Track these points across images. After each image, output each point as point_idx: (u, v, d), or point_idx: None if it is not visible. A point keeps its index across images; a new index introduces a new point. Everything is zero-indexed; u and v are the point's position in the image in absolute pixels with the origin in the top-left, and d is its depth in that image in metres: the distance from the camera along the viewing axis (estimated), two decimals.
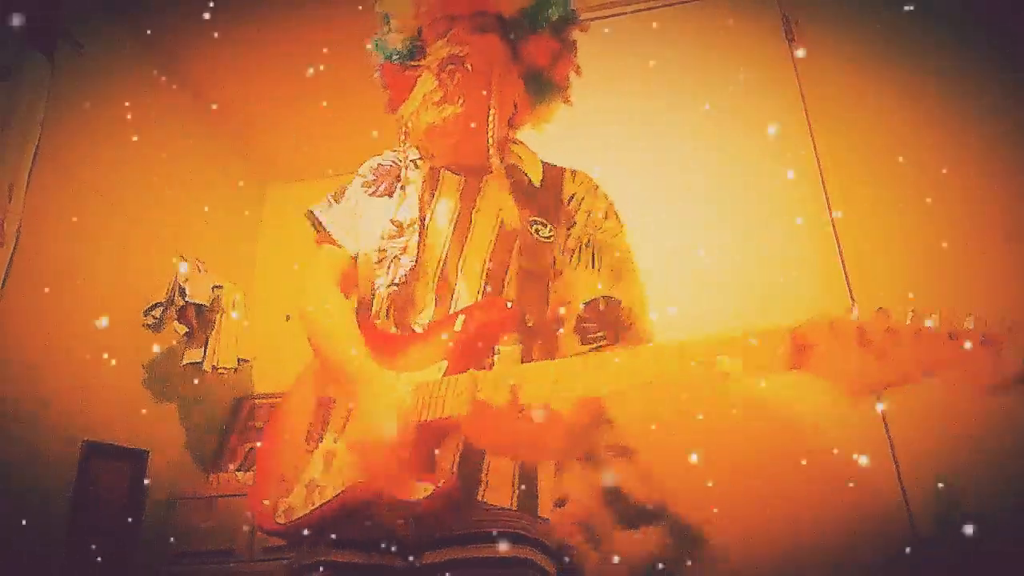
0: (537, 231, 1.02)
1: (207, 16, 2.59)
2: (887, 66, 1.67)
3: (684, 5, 1.93)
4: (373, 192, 1.11)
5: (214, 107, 3.15)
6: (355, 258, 1.08)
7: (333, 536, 0.91)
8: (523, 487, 0.95)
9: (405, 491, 0.84)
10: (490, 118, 1.02)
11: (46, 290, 2.20)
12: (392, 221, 1.05)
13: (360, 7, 2.64)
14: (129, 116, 2.63)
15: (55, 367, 2.20)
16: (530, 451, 0.89)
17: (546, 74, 1.10)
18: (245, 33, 2.71)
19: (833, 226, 1.63)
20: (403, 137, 1.11)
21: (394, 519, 0.89)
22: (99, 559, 2.24)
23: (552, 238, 1.02)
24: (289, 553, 0.99)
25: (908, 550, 1.35)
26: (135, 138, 2.68)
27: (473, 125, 1.02)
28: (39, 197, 2.16)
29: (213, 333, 2.83)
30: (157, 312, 2.65)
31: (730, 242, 1.66)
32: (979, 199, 1.55)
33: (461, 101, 1.00)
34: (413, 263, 1.00)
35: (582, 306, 1.00)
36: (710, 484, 1.46)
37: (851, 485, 1.40)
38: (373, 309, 1.03)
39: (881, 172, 1.63)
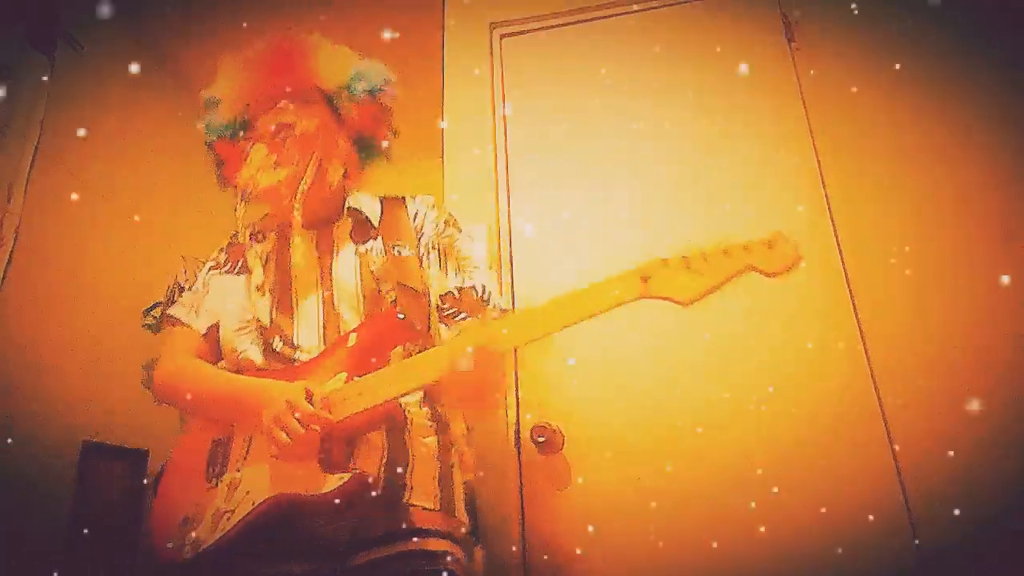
0: (399, 252, 1.15)
1: (207, 17, 2.59)
2: (887, 66, 1.67)
3: (684, 5, 1.93)
4: (227, 271, 1.24)
5: None
6: (206, 335, 1.19)
7: (257, 550, 0.96)
8: (442, 491, 1.06)
9: (319, 486, 0.92)
10: (306, 176, 1.13)
11: (45, 290, 2.19)
12: (257, 287, 1.16)
13: (359, 9, 2.65)
14: (128, 116, 2.63)
15: (54, 367, 2.20)
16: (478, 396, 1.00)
17: (368, 135, 1.24)
18: (245, 33, 2.71)
19: (833, 226, 1.63)
20: (242, 203, 1.19)
21: (315, 520, 0.96)
22: (99, 559, 2.23)
23: (413, 253, 1.16)
24: None
25: (908, 551, 1.35)
26: (134, 138, 2.68)
27: (308, 182, 1.13)
28: (38, 197, 2.15)
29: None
30: (157, 312, 2.65)
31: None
32: (979, 198, 1.55)
33: (295, 162, 1.12)
34: (277, 312, 1.12)
35: (438, 299, 1.14)
36: (708, 486, 1.47)
37: (851, 485, 1.40)
38: (244, 372, 1.12)
39: (881, 171, 1.63)
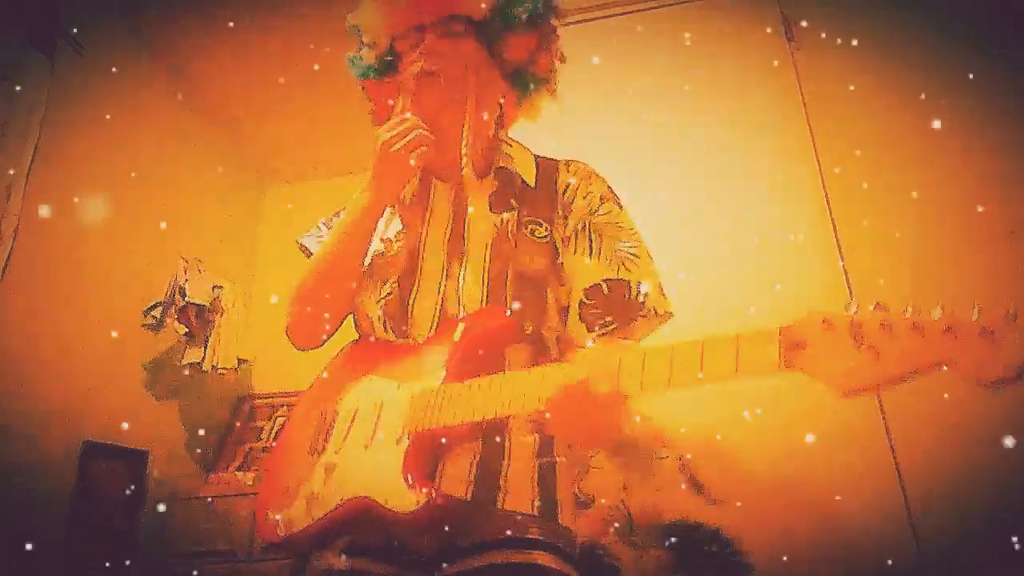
0: (533, 231, 1.00)
1: (207, 17, 2.60)
2: (887, 66, 1.67)
3: (684, 5, 1.93)
4: None
5: (213, 107, 3.15)
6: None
7: (349, 543, 0.91)
8: (542, 493, 0.93)
9: (397, 499, 0.84)
10: (465, 129, 1.01)
11: (45, 290, 2.20)
12: (382, 239, 1.05)
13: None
14: (128, 116, 2.63)
15: (54, 367, 2.20)
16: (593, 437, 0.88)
17: (528, 68, 1.09)
18: (245, 33, 2.71)
19: (833, 225, 1.63)
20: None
21: (395, 531, 0.88)
22: (99, 559, 2.24)
23: (547, 237, 1.00)
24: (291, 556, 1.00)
25: (908, 551, 1.35)
26: (134, 138, 2.68)
27: (456, 136, 1.01)
28: (38, 197, 2.16)
29: (213, 333, 2.83)
30: (157, 312, 2.65)
31: (730, 242, 1.66)
32: (979, 197, 1.55)
33: (446, 109, 1.00)
34: (400, 275, 1.00)
35: (583, 293, 0.97)
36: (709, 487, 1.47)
37: (851, 486, 1.40)
38: (362, 325, 1.04)
39: (881, 171, 1.63)
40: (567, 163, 1.11)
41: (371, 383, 0.96)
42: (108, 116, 2.54)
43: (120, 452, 2.41)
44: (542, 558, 0.88)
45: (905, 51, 1.67)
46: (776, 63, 1.79)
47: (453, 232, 1.03)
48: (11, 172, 2.05)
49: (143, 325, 2.63)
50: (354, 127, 3.04)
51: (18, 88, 2.10)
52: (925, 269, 1.52)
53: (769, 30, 1.82)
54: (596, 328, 0.96)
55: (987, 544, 1.28)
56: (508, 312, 0.92)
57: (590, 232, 1.01)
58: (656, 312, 0.97)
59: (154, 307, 2.65)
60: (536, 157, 1.11)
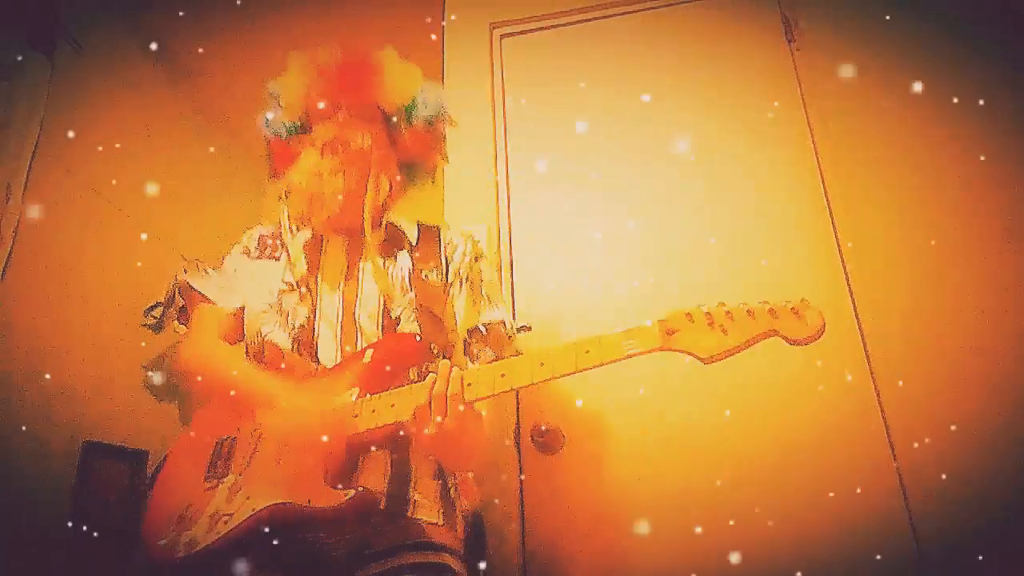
0: (427, 276, 1.17)
1: (207, 17, 2.59)
2: (887, 66, 1.68)
3: (684, 5, 1.93)
4: (258, 256, 1.27)
5: (213, 107, 3.15)
6: (234, 314, 1.24)
7: (257, 559, 0.95)
8: (444, 507, 1.07)
9: (324, 499, 0.92)
10: (368, 191, 1.17)
11: (45, 290, 2.19)
12: (284, 280, 1.18)
13: (360, 10, 2.65)
14: (128, 116, 2.63)
15: (54, 367, 2.20)
16: (459, 454, 1.00)
17: (418, 161, 1.27)
18: (245, 34, 2.71)
19: (833, 225, 1.63)
20: (284, 198, 1.25)
21: (316, 532, 0.96)
22: (99, 559, 2.23)
23: (439, 281, 1.17)
24: None
25: (908, 550, 1.35)
26: (134, 138, 2.68)
27: (351, 197, 1.16)
28: (38, 196, 2.15)
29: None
30: (157, 312, 2.63)
31: (729, 242, 1.66)
32: (980, 197, 1.55)
33: (342, 177, 1.16)
34: (309, 314, 1.13)
35: (466, 333, 1.15)
36: (707, 486, 1.47)
37: (851, 486, 1.40)
38: (269, 354, 1.13)
39: (881, 171, 1.63)
40: (448, 227, 1.30)
41: (274, 409, 1.03)
42: (108, 116, 2.54)
43: (120, 452, 2.41)
44: (450, 561, 1.01)
45: (905, 51, 1.67)
46: (776, 63, 1.80)
47: (348, 277, 1.17)
48: (11, 171, 2.05)
49: (143, 325, 2.62)
50: None
51: (18, 88, 2.10)
52: (925, 268, 1.53)
53: (769, 30, 1.83)
54: (476, 362, 1.13)
55: (987, 544, 1.28)
56: (418, 338, 1.07)
57: (469, 283, 1.20)
58: (516, 349, 1.15)
59: (154, 307, 2.63)
60: (419, 223, 1.29)
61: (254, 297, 1.20)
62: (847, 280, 1.57)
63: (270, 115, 1.28)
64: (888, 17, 1.70)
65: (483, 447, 1.04)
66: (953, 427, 1.38)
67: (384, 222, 1.23)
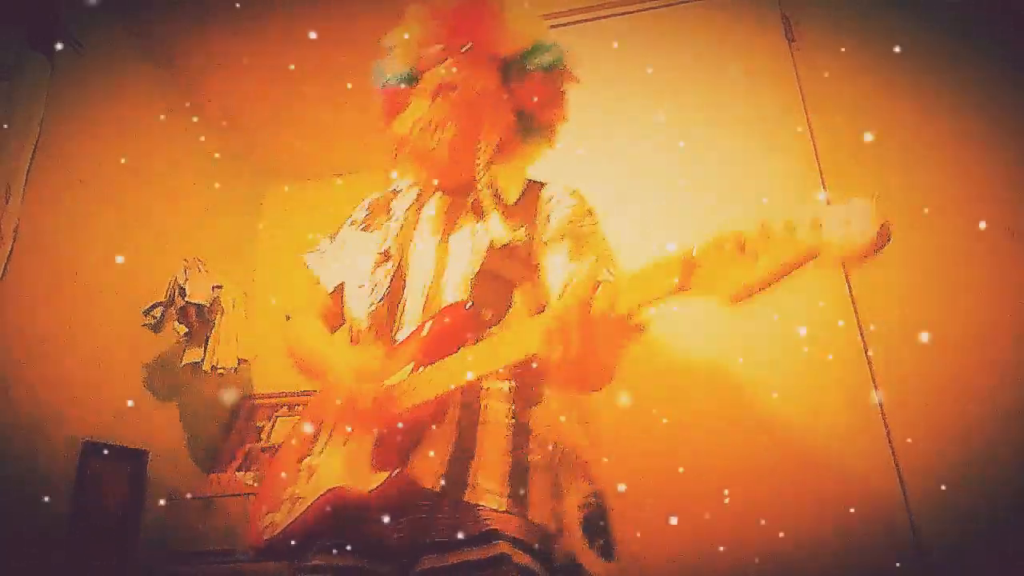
0: (513, 237, 1.07)
1: (207, 17, 2.59)
2: (887, 65, 1.67)
3: (684, 5, 1.93)
4: (364, 228, 1.21)
5: (213, 107, 3.15)
6: (333, 293, 1.18)
7: (326, 542, 0.95)
8: (512, 488, 0.95)
9: (363, 483, 0.90)
10: (480, 144, 1.09)
11: (45, 290, 2.20)
12: (379, 253, 1.12)
13: (360, 10, 2.64)
14: (128, 116, 2.63)
15: (55, 367, 2.20)
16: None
17: (535, 115, 1.17)
18: (245, 33, 2.71)
19: None
20: (394, 154, 1.17)
21: (368, 518, 0.92)
22: (99, 559, 2.23)
23: (526, 239, 1.07)
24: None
25: (908, 550, 1.35)
26: (134, 138, 2.68)
27: (459, 150, 1.09)
28: (38, 196, 2.16)
29: (213, 333, 2.83)
30: (157, 312, 2.65)
31: None
32: (980, 197, 1.55)
33: (451, 126, 1.08)
34: (388, 287, 1.07)
35: (564, 290, 1.02)
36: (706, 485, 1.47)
37: (850, 486, 1.40)
38: (354, 337, 1.10)
39: (881, 170, 1.63)
40: (551, 184, 1.20)
41: (340, 392, 1.00)
42: (108, 116, 2.54)
43: (120, 452, 2.41)
44: (509, 550, 0.89)
45: (905, 50, 1.67)
46: (776, 63, 1.79)
47: (441, 243, 1.10)
48: (11, 171, 2.05)
49: (143, 325, 2.62)
50: (354, 128, 3.05)
51: (18, 88, 2.10)
52: (925, 268, 1.52)
53: (769, 30, 1.82)
54: None
55: (987, 544, 1.29)
56: (468, 306, 0.98)
57: (573, 239, 1.09)
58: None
59: (154, 307, 2.65)
60: (527, 179, 1.20)
61: (352, 273, 1.14)
62: (847, 280, 1.57)
63: (382, 65, 1.20)
64: (888, 16, 1.70)
65: (612, 362, 0.89)
66: (953, 427, 1.38)
67: (484, 179, 1.13)
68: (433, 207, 1.16)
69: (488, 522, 0.91)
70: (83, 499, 2.21)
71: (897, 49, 1.66)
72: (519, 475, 0.96)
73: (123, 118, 2.60)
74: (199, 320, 2.76)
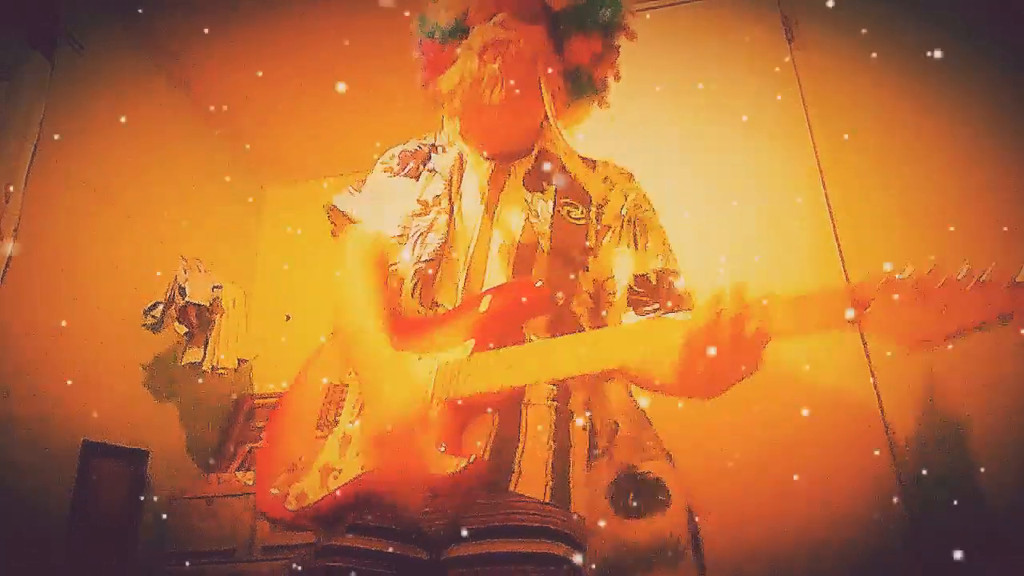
0: (569, 213, 1.02)
1: (206, 17, 2.59)
2: (887, 65, 1.67)
3: (684, 5, 1.93)
4: (397, 174, 1.11)
5: (213, 107, 3.15)
6: (377, 237, 1.07)
7: (356, 521, 0.89)
8: (555, 479, 0.91)
9: (434, 466, 0.83)
10: (545, 100, 1.02)
11: (45, 290, 2.20)
12: (418, 200, 1.04)
13: (359, 10, 2.64)
14: (128, 116, 2.63)
15: (55, 367, 2.20)
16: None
17: (587, 73, 1.09)
18: (245, 34, 2.71)
19: (832, 224, 1.63)
20: (440, 111, 1.10)
21: (417, 501, 0.86)
22: (99, 559, 2.24)
23: (583, 220, 1.03)
24: (295, 550, 0.98)
25: (907, 549, 1.35)
26: (134, 138, 2.68)
27: (516, 109, 1.01)
28: (37, 197, 2.16)
29: (213, 333, 2.83)
30: (157, 312, 2.65)
31: (728, 241, 1.66)
32: (980, 197, 1.55)
33: (510, 83, 0.99)
34: (442, 240, 0.99)
35: (632, 279, 1.00)
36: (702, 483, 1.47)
37: (850, 486, 1.40)
38: (393, 287, 1.02)
39: (881, 171, 1.63)
40: (605, 162, 1.14)
41: (382, 361, 0.93)
42: (108, 116, 2.54)
43: (120, 452, 2.41)
44: (550, 547, 0.86)
45: (905, 50, 1.67)
46: (776, 63, 1.79)
47: (487, 207, 1.04)
48: (11, 171, 2.05)
49: (143, 325, 2.63)
50: (355, 128, 3.05)
51: (18, 88, 2.10)
52: (926, 265, 1.52)
53: (769, 30, 1.82)
54: (644, 314, 0.98)
55: (987, 544, 1.28)
56: (539, 284, 0.92)
57: (635, 225, 1.04)
58: (685, 294, 1.00)
59: (154, 307, 2.65)
60: (578, 153, 1.14)
61: (390, 221, 1.06)
62: (846, 278, 1.57)
63: (425, 16, 1.11)
64: (888, 16, 1.70)
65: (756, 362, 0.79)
66: (953, 427, 1.37)
67: (537, 148, 1.08)
68: (479, 171, 1.08)
69: (534, 514, 0.88)
70: (83, 499, 2.21)
71: (897, 48, 1.66)
72: (561, 464, 0.93)
73: (123, 118, 2.60)
74: (199, 320, 2.76)
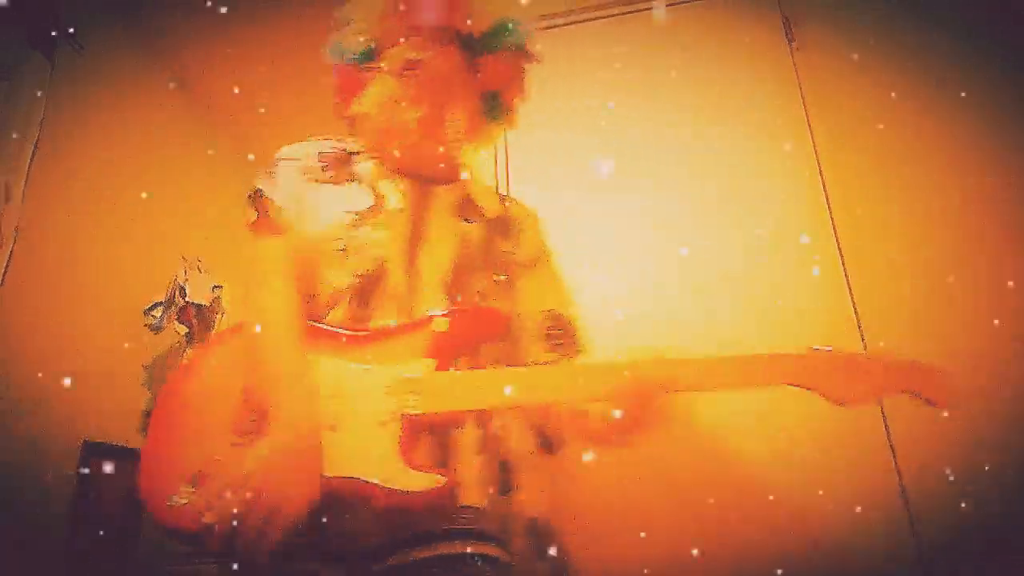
0: (496, 244, 1.07)
1: (207, 17, 2.59)
2: (887, 66, 1.68)
3: (684, 5, 1.93)
4: (318, 176, 1.06)
5: (215, 107, 3.15)
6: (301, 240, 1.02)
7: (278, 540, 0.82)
8: (494, 487, 0.96)
9: (402, 483, 0.82)
10: (449, 123, 1.04)
11: (45, 290, 2.19)
12: (350, 211, 1.01)
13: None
14: (128, 116, 2.63)
15: (55, 367, 2.20)
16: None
17: (499, 95, 1.13)
18: (246, 34, 2.71)
19: (832, 225, 1.63)
20: (352, 128, 1.12)
21: (363, 517, 0.85)
22: (99, 559, 2.23)
23: (509, 252, 1.07)
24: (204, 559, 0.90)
25: (908, 550, 1.35)
26: (134, 138, 2.68)
27: (430, 128, 1.04)
28: (38, 197, 2.15)
29: (213, 333, 2.83)
30: (157, 312, 2.65)
31: (728, 241, 1.66)
32: (980, 197, 1.55)
33: (423, 104, 1.02)
34: (380, 257, 0.97)
35: (544, 314, 1.06)
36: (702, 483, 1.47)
37: (850, 486, 1.40)
38: (321, 298, 0.97)
39: (881, 171, 1.63)
40: (509, 197, 1.19)
41: (321, 364, 0.90)
42: (108, 116, 2.54)
43: (120, 452, 2.41)
44: (492, 550, 0.92)
45: (905, 50, 1.67)
46: (776, 63, 1.80)
47: (415, 228, 1.03)
48: (11, 171, 2.05)
49: (143, 325, 2.62)
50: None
51: (18, 88, 2.10)
52: (926, 267, 1.52)
53: (769, 30, 1.82)
54: (555, 348, 1.05)
55: (988, 544, 1.29)
56: (500, 313, 0.96)
57: (543, 266, 1.11)
58: (581, 352, 1.07)
59: (154, 307, 2.65)
60: (497, 190, 1.19)
61: (314, 226, 1.00)
62: (847, 280, 1.57)
63: (340, 40, 1.12)
64: (888, 16, 1.70)
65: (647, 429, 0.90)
66: (953, 427, 1.37)
67: (457, 176, 1.11)
68: (400, 190, 1.06)
69: (472, 520, 0.92)
70: (83, 499, 2.21)
71: (897, 49, 1.66)
72: (491, 473, 0.96)
73: (123, 118, 2.60)
74: (199, 320, 2.76)
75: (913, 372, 0.89)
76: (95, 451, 2.29)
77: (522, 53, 1.12)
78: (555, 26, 2.02)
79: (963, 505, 1.33)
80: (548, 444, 1.50)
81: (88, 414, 2.31)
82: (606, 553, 1.47)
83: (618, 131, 1.84)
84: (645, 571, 1.43)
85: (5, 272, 2.02)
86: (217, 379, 0.94)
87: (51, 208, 2.24)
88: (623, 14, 1.97)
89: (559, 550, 1.43)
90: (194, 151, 3.15)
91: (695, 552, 1.40)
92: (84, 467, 2.24)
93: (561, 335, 1.06)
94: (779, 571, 1.33)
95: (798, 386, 0.87)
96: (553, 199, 1.82)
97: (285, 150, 1.12)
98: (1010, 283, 1.45)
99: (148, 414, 0.98)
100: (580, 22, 2.01)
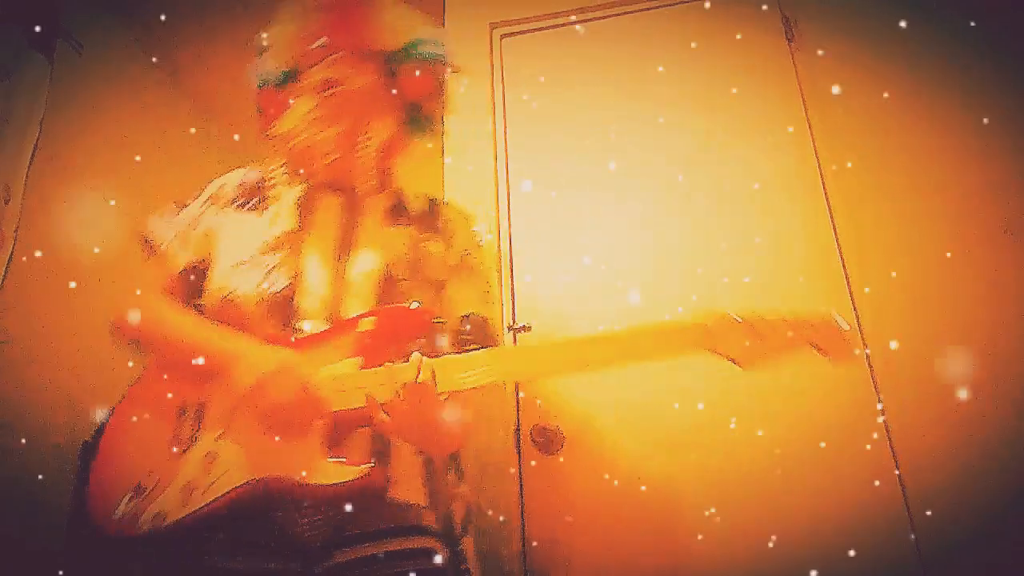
0: (427, 247, 1.10)
1: (207, 17, 2.59)
2: (887, 65, 1.68)
3: (684, 5, 1.93)
4: (239, 207, 1.13)
5: (215, 108, 3.15)
6: (181, 273, 1.11)
7: (220, 538, 0.88)
8: (427, 484, 0.99)
9: (321, 475, 0.85)
10: (367, 138, 1.08)
11: (45, 290, 2.19)
12: (264, 238, 1.06)
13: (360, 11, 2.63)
14: (128, 116, 2.63)
15: (55, 367, 2.20)
16: (438, 440, 0.95)
17: (420, 106, 1.18)
18: (247, 34, 2.71)
19: (832, 224, 1.63)
20: (275, 147, 1.15)
21: (299, 513, 0.89)
22: (99, 560, 2.23)
23: (439, 255, 1.11)
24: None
25: (908, 549, 1.35)
26: (135, 139, 2.68)
27: (349, 145, 1.08)
28: (38, 197, 2.15)
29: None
30: None
31: (728, 241, 1.66)
32: (980, 197, 1.55)
33: (341, 121, 1.07)
34: (292, 277, 1.01)
35: (461, 318, 1.09)
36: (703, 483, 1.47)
37: (850, 487, 1.40)
38: (227, 312, 1.02)
39: (881, 171, 1.63)
40: (445, 202, 1.23)
41: (259, 374, 0.93)
42: (108, 116, 2.54)
43: None
44: (433, 544, 0.96)
45: (905, 51, 1.67)
46: (776, 63, 1.79)
47: (343, 239, 1.07)
48: (11, 171, 2.05)
49: None
50: None
51: (18, 88, 2.10)
52: (925, 267, 1.52)
53: (769, 30, 1.82)
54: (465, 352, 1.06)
55: (988, 545, 1.28)
56: (416, 304, 0.98)
57: (470, 268, 1.14)
58: (500, 336, 1.14)
59: None
60: (427, 196, 1.22)
61: (226, 254, 1.06)
62: (847, 280, 1.57)
63: (259, 65, 1.17)
64: (888, 16, 1.70)
65: (450, 435, 0.95)
66: (953, 427, 1.37)
67: (388, 186, 1.16)
68: (324, 204, 1.11)
69: (412, 517, 0.96)
70: (83, 499, 2.21)
71: (897, 49, 1.66)
72: (430, 472, 1.01)
73: (123, 118, 2.60)
74: None
75: (809, 327, 0.94)
76: (95, 451, 2.28)
77: (439, 65, 1.17)
78: (554, 26, 2.03)
79: (963, 506, 1.33)
80: (546, 445, 1.52)
81: (88, 414, 2.31)
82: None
83: (618, 131, 1.84)
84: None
85: (5, 272, 2.02)
86: (149, 393, 1.04)
87: (51, 208, 2.24)
88: (622, 14, 1.98)
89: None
90: (195, 151, 3.15)
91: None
92: (84, 467, 2.24)
93: (470, 336, 1.08)
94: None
95: (710, 351, 0.90)
96: (551, 197, 1.83)
97: (214, 187, 1.22)
98: (1011, 280, 1.45)
99: (100, 430, 1.07)
100: (579, 22, 2.01)
